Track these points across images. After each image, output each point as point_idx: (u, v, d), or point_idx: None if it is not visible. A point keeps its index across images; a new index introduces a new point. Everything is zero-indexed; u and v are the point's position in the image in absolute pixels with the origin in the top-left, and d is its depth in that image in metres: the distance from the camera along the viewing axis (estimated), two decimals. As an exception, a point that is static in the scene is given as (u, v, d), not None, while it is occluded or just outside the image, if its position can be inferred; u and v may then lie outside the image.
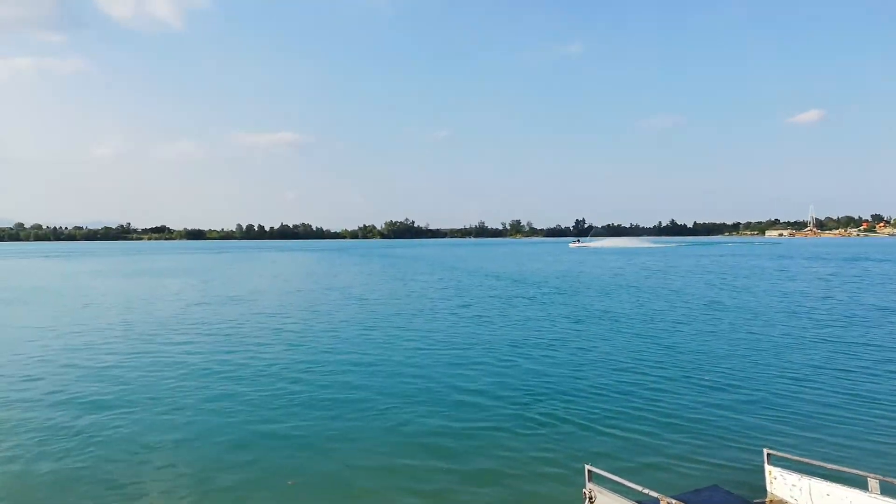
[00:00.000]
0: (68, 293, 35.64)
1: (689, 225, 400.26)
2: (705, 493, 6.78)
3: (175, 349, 17.31)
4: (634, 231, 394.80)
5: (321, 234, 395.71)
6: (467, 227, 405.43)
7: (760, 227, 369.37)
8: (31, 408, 11.59)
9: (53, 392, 12.70)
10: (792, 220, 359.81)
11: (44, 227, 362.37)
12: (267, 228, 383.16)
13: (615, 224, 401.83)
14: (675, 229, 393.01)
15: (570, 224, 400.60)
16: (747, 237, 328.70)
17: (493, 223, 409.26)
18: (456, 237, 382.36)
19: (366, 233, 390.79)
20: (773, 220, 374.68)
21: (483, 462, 8.67)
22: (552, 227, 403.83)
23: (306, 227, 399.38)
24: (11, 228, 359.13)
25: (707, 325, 21.01)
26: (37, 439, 9.79)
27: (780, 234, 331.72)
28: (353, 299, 30.61)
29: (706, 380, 13.34)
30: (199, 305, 28.39)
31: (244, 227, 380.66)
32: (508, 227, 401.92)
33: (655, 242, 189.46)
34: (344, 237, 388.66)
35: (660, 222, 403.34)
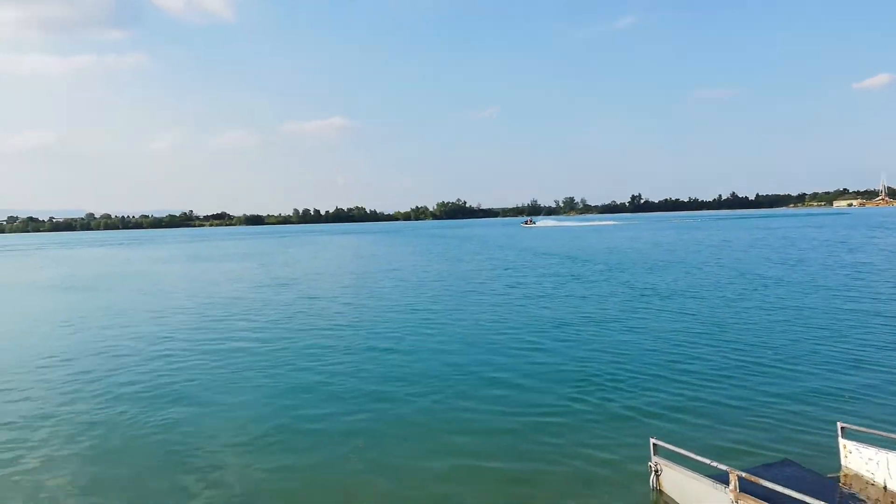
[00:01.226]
0: (145, 278, 37.34)
1: (752, 197, 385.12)
2: (777, 468, 6.68)
3: (242, 331, 17.99)
4: (693, 205, 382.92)
5: (374, 217, 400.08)
6: (520, 205, 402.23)
7: (828, 198, 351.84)
8: (99, 388, 12.31)
9: (123, 373, 13.44)
10: (862, 190, 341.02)
11: (113, 216, 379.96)
12: (322, 212, 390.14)
13: (673, 198, 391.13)
14: (735, 202, 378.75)
15: (626, 200, 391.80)
16: (813, 208, 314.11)
17: (547, 201, 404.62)
18: (509, 216, 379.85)
19: (418, 214, 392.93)
20: (841, 189, 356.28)
21: (547, 438, 8.75)
22: (607, 203, 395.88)
23: (360, 209, 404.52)
24: (83, 219, 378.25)
25: (766, 301, 20.35)
26: (112, 417, 10.42)
27: (850, 204, 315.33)
28: (407, 280, 30.98)
29: (771, 355, 13.00)
30: (263, 287, 29.29)
31: (300, 212, 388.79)
32: (562, 204, 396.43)
33: (616, 220, 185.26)
34: (397, 219, 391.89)
35: (720, 195, 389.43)
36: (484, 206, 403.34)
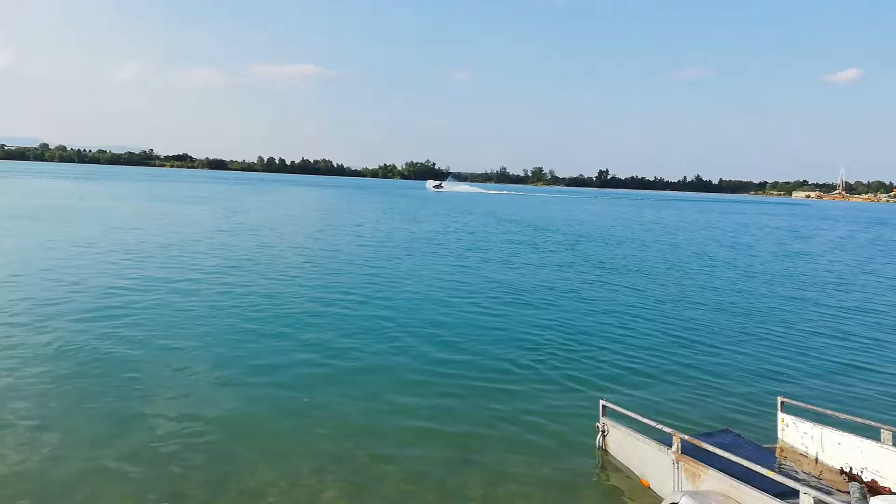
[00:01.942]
0: (102, 214, 36.19)
1: (715, 181, 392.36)
2: (718, 436, 6.90)
3: (189, 274, 17.64)
4: (658, 184, 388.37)
5: (341, 171, 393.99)
6: (488, 171, 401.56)
7: (787, 188, 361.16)
8: (49, 325, 11.98)
9: (72, 310, 13.08)
10: (821, 182, 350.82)
11: (68, 149, 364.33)
12: (288, 162, 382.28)
13: (639, 177, 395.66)
14: (699, 185, 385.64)
15: (594, 174, 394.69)
16: (772, 197, 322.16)
17: (516, 170, 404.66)
18: (476, 182, 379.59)
19: (386, 172, 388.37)
20: (801, 181, 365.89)
21: (497, 399, 8.84)
22: (575, 176, 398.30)
23: (327, 163, 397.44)
24: (36, 149, 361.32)
25: (715, 282, 20.93)
26: (51, 354, 10.16)
27: (808, 196, 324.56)
28: (367, 236, 30.81)
29: (717, 333, 13.39)
30: (220, 233, 28.74)
31: (265, 160, 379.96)
32: (531, 174, 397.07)
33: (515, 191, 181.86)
34: (364, 175, 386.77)
35: (685, 177, 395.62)
36: (452, 170, 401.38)
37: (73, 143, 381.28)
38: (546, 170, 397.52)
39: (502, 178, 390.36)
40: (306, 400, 8.40)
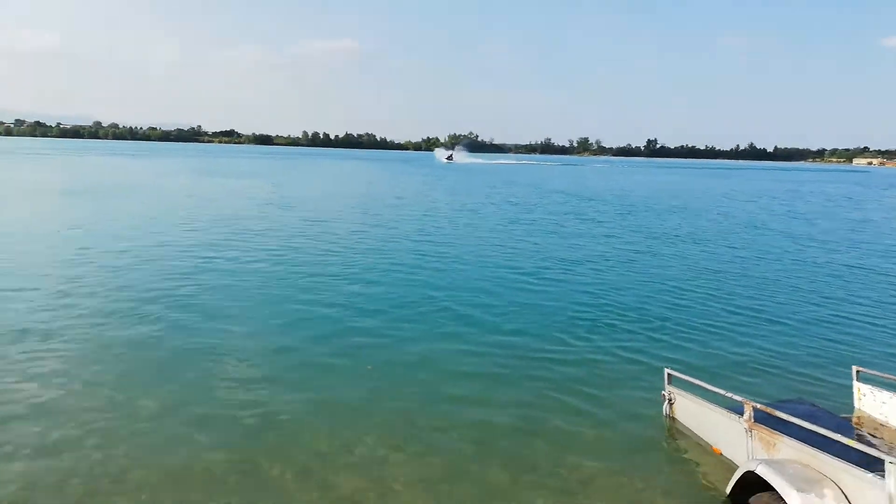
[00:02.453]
0: (153, 190, 37.27)
1: (769, 149, 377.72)
2: (791, 405, 6.69)
3: (240, 249, 18.00)
4: (710, 153, 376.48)
5: (385, 145, 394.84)
6: (533, 143, 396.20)
7: (847, 155, 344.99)
8: (110, 299, 12.40)
9: (134, 285, 13.51)
10: (884, 149, 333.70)
11: (120, 126, 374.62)
12: (332, 136, 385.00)
13: (689, 145, 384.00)
14: (753, 153, 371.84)
15: (642, 143, 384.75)
16: (831, 164, 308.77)
17: (561, 140, 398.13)
18: (521, 153, 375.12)
19: (429, 145, 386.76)
20: (861, 147, 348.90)
21: (555, 367, 8.77)
22: (623, 146, 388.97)
23: (370, 136, 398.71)
24: (91, 127, 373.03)
25: (772, 251, 20.23)
26: (119, 327, 10.52)
27: (870, 163, 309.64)
28: (412, 209, 30.86)
29: (782, 301, 12.95)
30: (268, 206, 29.24)
31: (310, 135, 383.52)
32: (576, 144, 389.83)
33: (531, 160, 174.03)
34: (407, 148, 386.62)
35: (737, 146, 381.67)
36: (497, 142, 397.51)
37: (125, 120, 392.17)
38: (592, 140, 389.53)
39: (547, 148, 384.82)
40: (369, 367, 8.49)
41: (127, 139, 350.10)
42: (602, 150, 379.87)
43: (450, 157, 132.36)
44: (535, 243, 19.93)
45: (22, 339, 9.04)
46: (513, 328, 10.51)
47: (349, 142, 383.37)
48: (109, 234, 18.92)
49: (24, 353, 8.48)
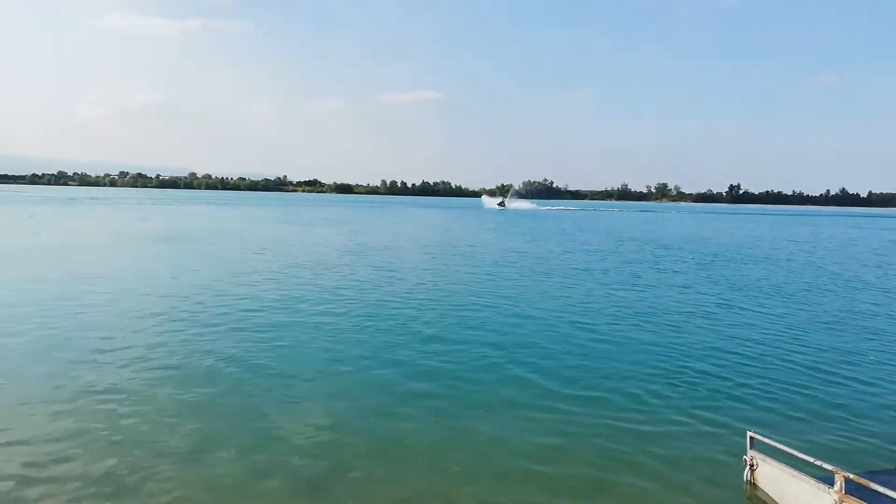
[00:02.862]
0: (240, 237, 39.27)
1: (863, 194, 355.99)
2: (887, 475, 6.22)
3: (330, 292, 18.55)
4: (797, 199, 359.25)
5: (460, 192, 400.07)
6: (609, 188, 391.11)
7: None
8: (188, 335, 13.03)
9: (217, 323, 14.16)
10: None
11: (213, 177, 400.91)
12: (409, 185, 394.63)
13: (775, 191, 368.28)
14: (845, 199, 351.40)
15: (724, 189, 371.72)
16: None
17: (638, 186, 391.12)
18: (596, 199, 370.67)
19: (503, 192, 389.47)
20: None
21: (630, 423, 8.54)
22: (703, 191, 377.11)
23: (445, 184, 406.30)
24: (186, 178, 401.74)
25: (861, 302, 18.95)
26: (196, 363, 11.02)
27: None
28: (486, 257, 30.96)
29: (872, 360, 12.11)
30: (347, 254, 30.12)
31: (388, 184, 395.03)
32: (654, 190, 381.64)
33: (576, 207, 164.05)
34: (480, 195, 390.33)
35: (827, 191, 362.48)
36: (571, 188, 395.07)
37: (217, 171, 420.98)
38: (671, 185, 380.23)
39: (624, 194, 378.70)
40: (434, 420, 8.54)
41: (218, 189, 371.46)
42: (681, 196, 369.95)
43: (501, 204, 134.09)
44: (609, 293, 19.56)
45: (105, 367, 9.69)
46: (585, 383, 10.31)
47: (425, 190, 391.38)
48: (193, 280, 20.02)
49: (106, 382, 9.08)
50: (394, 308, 16.25)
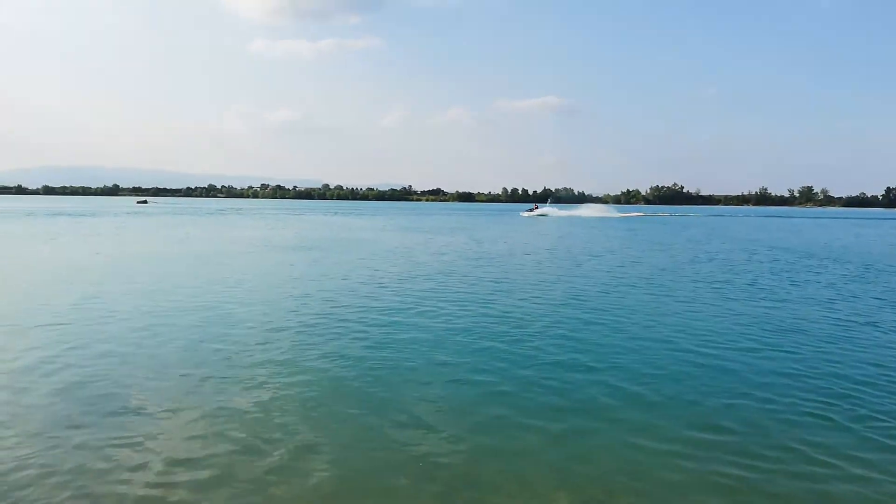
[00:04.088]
0: (367, 244, 40.94)
1: None
2: None
3: (454, 301, 18.73)
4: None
5: (582, 199, 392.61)
6: (745, 193, 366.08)
7: None
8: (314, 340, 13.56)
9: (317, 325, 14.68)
10: None
11: (343, 188, 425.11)
12: (530, 192, 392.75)
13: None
14: None
15: (879, 192, 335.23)
16: None
17: (778, 189, 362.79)
18: (731, 205, 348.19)
19: (629, 198, 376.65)
20: None
21: (785, 456, 7.83)
22: (854, 195, 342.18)
23: (568, 190, 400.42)
24: (320, 189, 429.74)
25: None
26: (320, 367, 11.43)
27: None
28: (610, 265, 29.93)
29: None
30: (473, 262, 30.34)
31: (509, 191, 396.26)
32: (797, 194, 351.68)
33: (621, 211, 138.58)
34: (606, 202, 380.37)
35: None
36: (704, 193, 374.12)
37: (347, 182, 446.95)
38: (817, 188, 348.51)
39: (762, 199, 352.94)
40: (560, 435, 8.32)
41: (348, 199, 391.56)
42: (829, 201, 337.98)
43: (531, 210, 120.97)
44: (740, 311, 18.17)
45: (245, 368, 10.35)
46: (726, 425, 9.60)
47: (546, 196, 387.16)
48: (325, 285, 21.02)
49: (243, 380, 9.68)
50: (515, 319, 16.10)
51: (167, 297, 18.14)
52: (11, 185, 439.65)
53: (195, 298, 18.07)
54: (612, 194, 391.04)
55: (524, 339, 13.54)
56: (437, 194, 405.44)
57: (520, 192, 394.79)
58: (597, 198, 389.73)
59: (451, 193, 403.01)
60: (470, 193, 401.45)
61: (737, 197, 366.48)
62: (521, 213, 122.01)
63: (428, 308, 17.14)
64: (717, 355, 12.38)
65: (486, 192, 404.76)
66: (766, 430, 8.44)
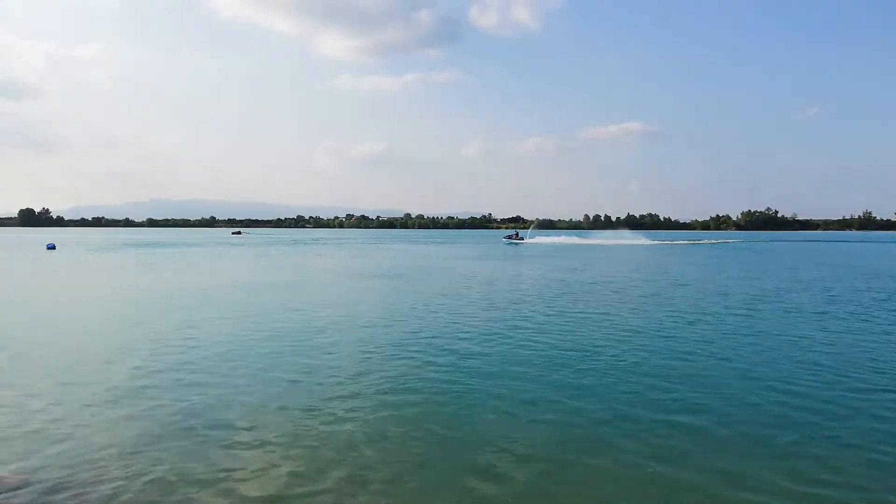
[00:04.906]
0: (446, 272, 41.29)
1: None
2: None
3: (539, 328, 18.51)
4: None
5: (668, 225, 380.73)
6: (847, 217, 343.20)
7: None
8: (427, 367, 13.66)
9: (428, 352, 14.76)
10: None
11: (424, 217, 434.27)
12: (613, 219, 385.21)
13: None
14: None
15: None
16: None
17: (885, 213, 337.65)
18: (832, 230, 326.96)
19: (718, 224, 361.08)
20: None
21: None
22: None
23: (653, 217, 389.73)
24: (402, 218, 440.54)
25: None
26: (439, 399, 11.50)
27: None
28: (699, 297, 28.68)
29: None
30: (554, 288, 29.94)
31: (591, 218, 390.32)
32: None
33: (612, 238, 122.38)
34: (693, 228, 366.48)
35: None
36: (800, 217, 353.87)
37: (429, 211, 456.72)
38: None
39: (866, 223, 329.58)
40: (649, 471, 7.99)
41: (429, 227, 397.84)
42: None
43: (510, 237, 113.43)
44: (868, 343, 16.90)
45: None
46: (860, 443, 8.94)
47: (630, 223, 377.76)
48: (409, 312, 21.31)
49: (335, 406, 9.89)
50: (605, 349, 15.70)
51: (257, 324, 18.95)
52: (121, 218, 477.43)
53: (283, 325, 18.79)
54: (700, 220, 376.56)
55: (612, 372, 13.17)
56: (517, 222, 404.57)
57: (602, 218, 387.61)
58: (684, 223, 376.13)
59: (532, 221, 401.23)
60: (550, 221, 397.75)
61: (838, 221, 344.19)
62: (502, 238, 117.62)
63: (518, 338, 16.91)
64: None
65: (566, 219, 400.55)
66: None
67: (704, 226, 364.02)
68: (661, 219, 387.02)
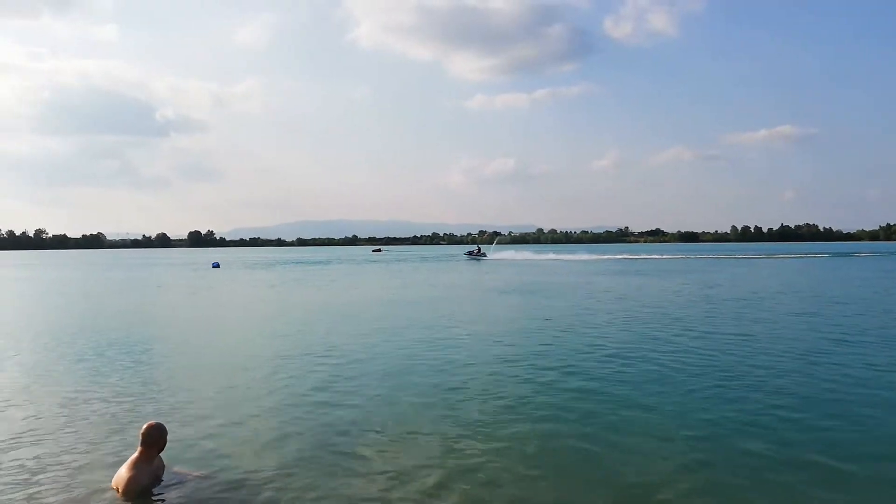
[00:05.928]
0: (576, 289, 40.51)
1: None
2: None
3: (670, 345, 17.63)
4: None
5: (829, 236, 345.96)
6: None
7: None
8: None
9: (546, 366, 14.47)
10: None
11: (557, 231, 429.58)
12: (764, 230, 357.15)
13: None
14: None
15: None
16: None
17: None
18: None
19: (889, 233, 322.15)
20: None
21: None
22: None
23: (810, 227, 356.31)
24: (534, 233, 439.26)
25: None
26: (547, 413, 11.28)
27: None
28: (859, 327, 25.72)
29: None
30: (697, 306, 28.35)
31: (738, 229, 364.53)
32: None
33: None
34: (860, 238, 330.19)
35: None
36: None
37: (562, 226, 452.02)
38: None
39: None
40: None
41: (562, 242, 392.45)
42: None
43: (471, 253, 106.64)
44: None
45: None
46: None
47: (784, 234, 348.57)
48: (541, 325, 21.11)
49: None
50: (751, 369, 14.60)
51: (386, 339, 19.70)
52: (273, 238, 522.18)
53: (411, 338, 19.37)
54: (866, 229, 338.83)
55: (750, 394, 12.22)
56: (656, 235, 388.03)
57: (752, 229, 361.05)
58: (848, 234, 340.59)
59: (672, 234, 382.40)
60: (693, 233, 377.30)
61: None
62: (463, 253, 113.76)
63: (663, 357, 16.24)
64: None
65: (711, 231, 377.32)
66: None
67: (872, 236, 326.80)
68: (821, 229, 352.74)
